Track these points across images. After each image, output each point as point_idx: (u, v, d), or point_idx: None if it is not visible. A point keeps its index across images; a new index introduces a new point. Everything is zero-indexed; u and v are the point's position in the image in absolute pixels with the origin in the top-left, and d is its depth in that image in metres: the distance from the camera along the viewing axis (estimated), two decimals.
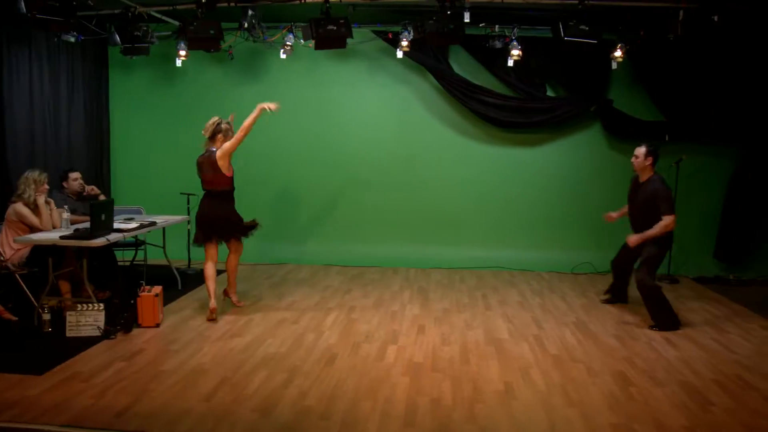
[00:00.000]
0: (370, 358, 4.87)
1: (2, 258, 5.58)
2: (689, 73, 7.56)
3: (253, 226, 6.18)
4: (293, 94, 8.39)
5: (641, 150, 5.80)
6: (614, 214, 6.31)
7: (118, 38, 6.72)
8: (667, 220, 5.60)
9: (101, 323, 5.17)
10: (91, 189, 6.51)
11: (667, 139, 7.64)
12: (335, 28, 6.10)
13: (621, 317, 6.13)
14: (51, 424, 3.67)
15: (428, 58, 7.87)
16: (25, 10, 5.04)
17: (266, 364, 4.69)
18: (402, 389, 4.25)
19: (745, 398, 4.21)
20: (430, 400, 4.10)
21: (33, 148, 6.99)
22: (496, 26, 7.04)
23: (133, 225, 5.95)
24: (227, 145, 5.73)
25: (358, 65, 8.36)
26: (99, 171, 8.31)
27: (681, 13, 6.28)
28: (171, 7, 6.57)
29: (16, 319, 5.40)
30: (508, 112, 7.86)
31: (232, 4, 6.32)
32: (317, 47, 6.34)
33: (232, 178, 5.92)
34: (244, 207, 7.62)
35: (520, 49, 6.98)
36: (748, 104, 7.57)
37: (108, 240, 5.29)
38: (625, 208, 6.20)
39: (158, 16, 7.09)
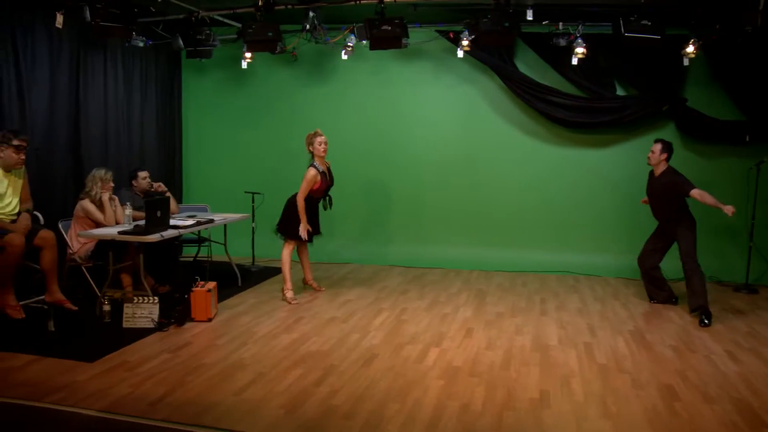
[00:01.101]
0: (410, 360, 4.83)
1: (71, 251, 5.94)
2: None
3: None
4: (359, 95, 8.50)
5: (657, 146, 6.16)
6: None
7: (181, 42, 7.01)
8: (697, 193, 5.89)
9: (155, 316, 5.39)
10: (159, 186, 6.80)
11: (747, 139, 7.17)
12: (390, 28, 6.10)
13: (683, 327, 5.79)
14: (88, 408, 3.87)
15: (492, 57, 7.74)
16: (89, 18, 5.34)
17: (305, 362, 4.74)
18: (433, 392, 4.19)
19: None
20: (460, 404, 4.01)
21: (107, 147, 7.40)
22: (560, 24, 6.80)
23: (190, 222, 6.18)
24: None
25: (423, 66, 8.34)
26: (171, 170, 8.70)
27: (761, 2, 5.86)
28: (232, 11, 6.77)
29: (77, 308, 5.71)
30: (575, 112, 7.60)
31: (290, 6, 6.43)
32: (372, 47, 6.37)
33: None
34: None
35: (584, 47, 6.73)
36: None
37: (162, 236, 5.51)
38: None
39: (221, 19, 7.33)
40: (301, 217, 6.27)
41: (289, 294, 6.51)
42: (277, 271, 7.82)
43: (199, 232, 7.09)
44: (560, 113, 7.67)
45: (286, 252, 6.52)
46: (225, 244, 7.06)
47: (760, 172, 7.08)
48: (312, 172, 6.28)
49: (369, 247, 8.64)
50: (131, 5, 5.43)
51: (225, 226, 6.94)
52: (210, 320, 5.70)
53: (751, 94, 7.24)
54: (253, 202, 7.71)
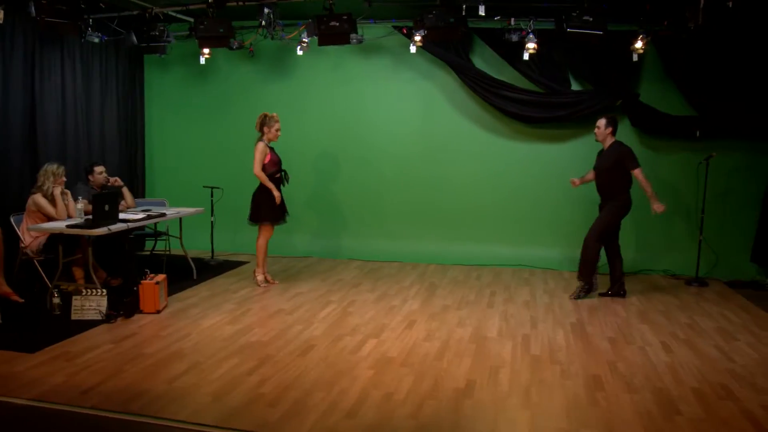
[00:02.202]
0: (346, 350, 4.92)
1: (23, 245, 6.01)
2: (720, 65, 7.13)
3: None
4: (319, 90, 8.58)
5: (602, 121, 6.38)
6: (577, 180, 6.80)
7: (134, 38, 7.06)
8: (639, 173, 6.25)
9: (103, 308, 5.47)
10: (115, 180, 6.87)
11: (698, 134, 7.27)
12: (338, 24, 6.18)
13: (627, 320, 5.90)
14: (18, 397, 3.95)
15: (448, 52, 7.81)
16: (35, 13, 5.41)
17: (242, 352, 4.83)
18: (361, 382, 4.28)
19: (718, 409, 3.96)
20: (384, 394, 4.10)
21: (65, 143, 7.45)
22: (512, 19, 6.87)
23: (140, 216, 6.25)
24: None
25: (382, 61, 8.41)
26: (132, 165, 8.77)
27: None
28: (184, 7, 6.83)
29: (23, 301, 5.79)
30: (529, 106, 7.68)
31: (241, 3, 6.49)
32: (320, 43, 6.48)
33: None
34: None
35: (536, 42, 6.80)
36: None
37: (110, 229, 5.59)
38: (588, 175, 6.76)
39: (176, 15, 7.38)
40: (269, 186, 6.58)
41: (260, 277, 6.90)
42: (236, 264, 7.97)
43: (155, 226, 7.18)
44: (515, 108, 7.75)
45: (262, 240, 6.87)
46: (180, 238, 7.15)
47: (709, 166, 7.18)
48: (260, 145, 6.58)
49: (328, 241, 8.73)
50: (78, 1, 5.47)
51: (180, 220, 7.03)
52: (159, 312, 5.78)
53: (701, 89, 7.33)
54: (212, 196, 7.78)
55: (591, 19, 5.69)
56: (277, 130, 6.64)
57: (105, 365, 4.50)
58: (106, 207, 5.66)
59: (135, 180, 8.65)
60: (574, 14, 5.71)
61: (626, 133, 7.70)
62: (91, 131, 7.85)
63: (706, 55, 7.20)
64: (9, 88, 6.73)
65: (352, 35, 6.42)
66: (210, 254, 8.09)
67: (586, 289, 6.58)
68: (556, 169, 8.01)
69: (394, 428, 3.64)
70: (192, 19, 7.61)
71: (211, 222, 7.88)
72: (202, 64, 8.20)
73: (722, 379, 4.45)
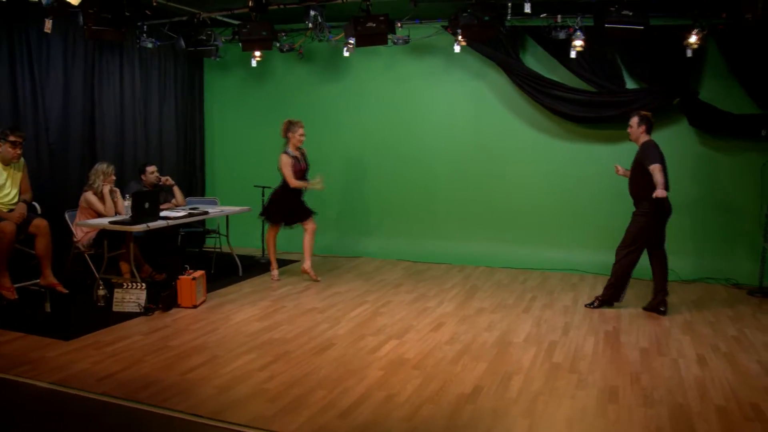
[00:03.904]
0: (363, 351, 4.92)
1: (75, 239, 6.39)
2: None
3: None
4: (372, 90, 8.63)
5: (634, 120, 6.00)
6: (621, 169, 6.34)
7: (183, 43, 7.35)
8: (654, 168, 5.71)
9: (142, 301, 5.73)
10: (166, 180, 7.17)
11: (763, 134, 6.77)
12: (374, 25, 6.18)
13: (667, 330, 5.58)
14: (41, 381, 4.21)
15: (497, 51, 7.66)
16: (82, 22, 5.73)
17: (261, 348, 4.92)
18: (367, 382, 4.27)
19: (739, 430, 3.68)
20: (385, 395, 4.08)
21: (124, 143, 7.89)
22: (559, 16, 6.64)
23: (181, 213, 6.50)
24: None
25: (433, 61, 8.35)
26: (191, 165, 9.12)
27: None
28: (230, 12, 7.05)
29: (67, 291, 6.14)
30: (580, 106, 7.41)
31: (282, 6, 6.63)
32: (358, 45, 6.51)
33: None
34: (324, 199, 8.21)
35: (583, 40, 6.56)
36: None
37: (148, 226, 5.84)
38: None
39: (225, 19, 7.59)
40: (304, 185, 7.01)
41: (274, 272, 7.28)
42: (285, 263, 8.11)
43: (204, 223, 7.44)
44: (565, 107, 7.51)
45: (270, 235, 7.29)
46: (227, 236, 7.38)
47: None
48: (283, 157, 6.90)
49: (379, 241, 8.75)
50: (122, 9, 5.77)
51: (227, 218, 7.26)
52: (195, 307, 5.99)
53: (766, 86, 6.83)
54: (262, 196, 7.97)
55: (630, 13, 5.41)
56: (301, 135, 6.93)
57: (129, 354, 4.71)
58: (147, 204, 5.92)
59: (193, 179, 9.00)
60: (613, 9, 5.45)
61: (684, 133, 7.31)
62: (149, 132, 8.26)
63: None
64: (70, 94, 7.19)
65: (393, 36, 6.41)
66: (261, 252, 8.29)
67: (603, 300, 6.24)
68: (609, 170, 7.63)
69: (384, 430, 3.62)
70: (236, 22, 7.83)
71: (262, 221, 8.08)
72: (258, 67, 8.44)
73: (755, 397, 4.13)
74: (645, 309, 6.18)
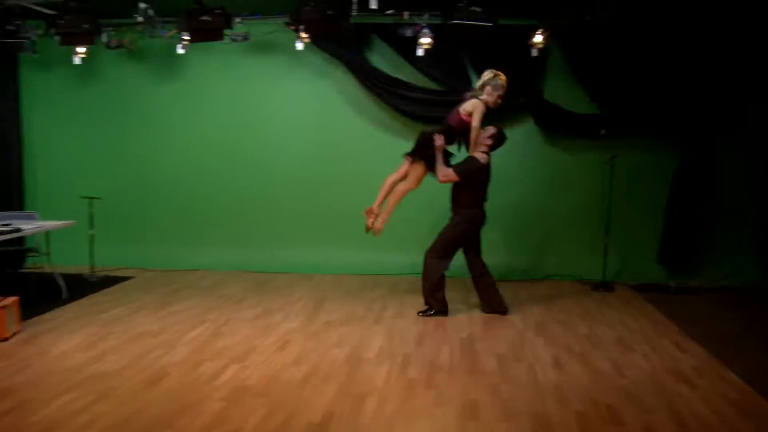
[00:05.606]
0: (201, 379, 4.37)
1: None
2: (625, 61, 6.87)
3: None
4: (211, 90, 7.97)
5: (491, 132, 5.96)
6: None
7: None
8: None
9: None
10: None
11: (603, 133, 7.00)
12: (210, 19, 5.67)
13: (522, 333, 5.55)
14: None
15: (343, 50, 7.35)
16: None
17: (82, 386, 4.22)
18: (206, 417, 3.76)
19: None
20: (228, 430, 3.63)
21: None
22: (405, 13, 6.46)
23: None
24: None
25: (277, 59, 7.82)
26: (5, 175, 7.99)
27: None
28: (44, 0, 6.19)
29: None
30: (426, 105, 7.21)
31: None
32: (193, 40, 5.97)
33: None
34: (159, 208, 7.69)
35: (431, 38, 6.42)
36: (690, 97, 6.90)
37: None
38: None
39: (37, 8, 6.60)
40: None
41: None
42: (117, 279, 7.36)
43: (23, 241, 6.55)
44: (411, 107, 7.32)
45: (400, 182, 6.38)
46: (48, 254, 6.48)
47: (614, 166, 6.92)
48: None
49: (220, 252, 8.09)
50: None
51: (48, 234, 6.40)
52: (6, 340, 5.16)
53: (606, 87, 7.07)
54: (90, 207, 7.15)
55: (479, 9, 5.30)
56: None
57: None
58: None
59: (8, 191, 7.89)
60: (461, 4, 5.31)
61: (530, 132, 7.40)
62: None
63: (611, 52, 6.92)
64: None
65: (233, 32, 5.91)
66: (89, 269, 7.43)
67: (431, 312, 6.05)
68: None
69: None
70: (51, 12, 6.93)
71: (90, 235, 7.24)
72: (84, 66, 7.52)
73: (610, 398, 4.10)
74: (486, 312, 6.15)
